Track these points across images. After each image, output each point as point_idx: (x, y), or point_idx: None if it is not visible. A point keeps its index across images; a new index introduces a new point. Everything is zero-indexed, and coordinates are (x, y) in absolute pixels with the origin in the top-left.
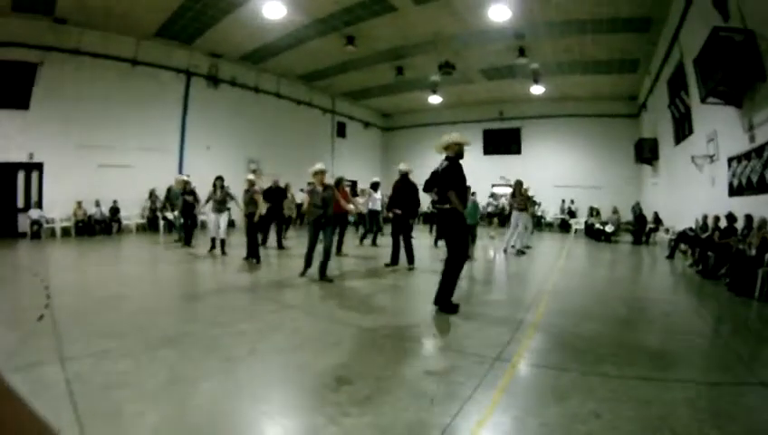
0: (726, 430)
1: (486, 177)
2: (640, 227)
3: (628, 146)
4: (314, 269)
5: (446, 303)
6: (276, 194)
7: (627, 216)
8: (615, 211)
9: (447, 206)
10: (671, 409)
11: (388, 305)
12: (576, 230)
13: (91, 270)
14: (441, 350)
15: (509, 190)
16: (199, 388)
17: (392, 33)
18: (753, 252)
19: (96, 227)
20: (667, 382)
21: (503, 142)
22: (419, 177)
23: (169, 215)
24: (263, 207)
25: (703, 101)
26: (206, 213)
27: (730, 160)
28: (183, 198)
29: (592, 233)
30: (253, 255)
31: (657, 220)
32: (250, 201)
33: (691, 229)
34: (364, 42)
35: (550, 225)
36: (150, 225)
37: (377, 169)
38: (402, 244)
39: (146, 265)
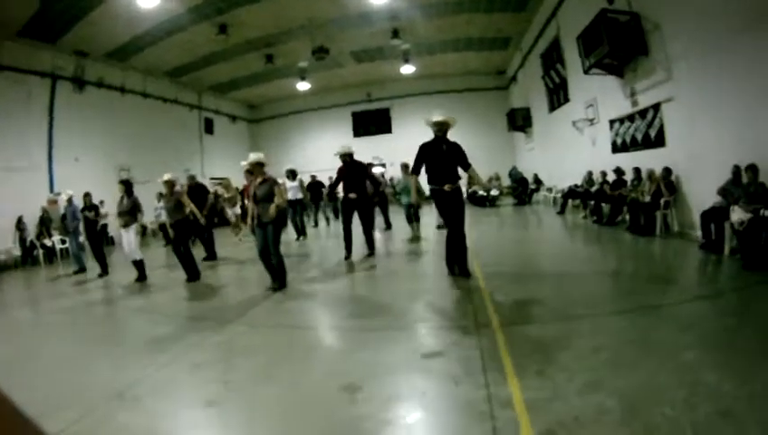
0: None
1: (359, 158)
2: (523, 189)
3: (498, 116)
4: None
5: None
6: (198, 193)
7: (505, 181)
8: (497, 177)
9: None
10: (647, 331)
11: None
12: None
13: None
14: (426, 331)
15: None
16: None
17: (265, 20)
18: (648, 199)
19: None
20: (634, 312)
21: (373, 123)
22: (285, 164)
23: (48, 242)
24: (191, 208)
25: (586, 72)
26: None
27: (612, 122)
28: (84, 215)
29: (476, 200)
30: (194, 276)
31: (538, 181)
32: (175, 207)
33: (576, 186)
34: (236, 30)
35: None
36: (25, 258)
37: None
38: (350, 230)
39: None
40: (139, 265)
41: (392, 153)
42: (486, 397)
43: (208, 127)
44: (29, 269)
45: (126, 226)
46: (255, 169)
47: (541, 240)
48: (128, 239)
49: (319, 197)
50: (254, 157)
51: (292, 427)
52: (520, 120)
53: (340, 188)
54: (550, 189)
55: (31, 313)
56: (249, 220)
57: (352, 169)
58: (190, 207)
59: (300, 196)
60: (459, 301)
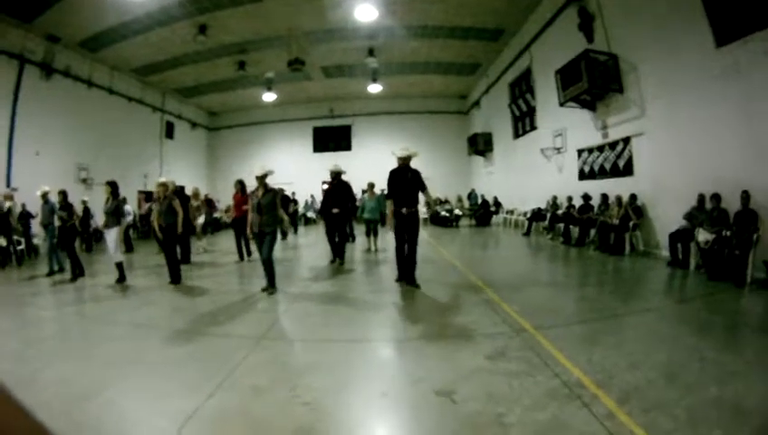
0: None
1: (317, 174)
2: (485, 211)
3: (456, 140)
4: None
5: (413, 278)
6: (180, 199)
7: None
8: (460, 199)
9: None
10: (653, 326)
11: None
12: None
13: None
14: (476, 338)
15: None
16: None
17: (246, 25)
18: (616, 222)
19: None
20: (633, 314)
21: (333, 139)
22: (238, 174)
23: (2, 241)
24: (180, 215)
25: (562, 104)
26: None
27: (580, 151)
28: (58, 215)
29: (438, 220)
30: (177, 279)
31: (497, 204)
32: (168, 210)
33: (540, 209)
34: (215, 32)
35: None
36: None
37: (202, 172)
38: (334, 239)
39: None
40: (119, 266)
41: (350, 171)
42: (562, 383)
43: (169, 131)
44: None
45: (108, 227)
46: (261, 180)
47: (520, 258)
48: (109, 240)
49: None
50: (264, 169)
51: (424, 429)
52: (481, 145)
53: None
54: (510, 212)
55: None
56: (249, 228)
57: (339, 188)
58: (180, 212)
59: None
60: (486, 311)
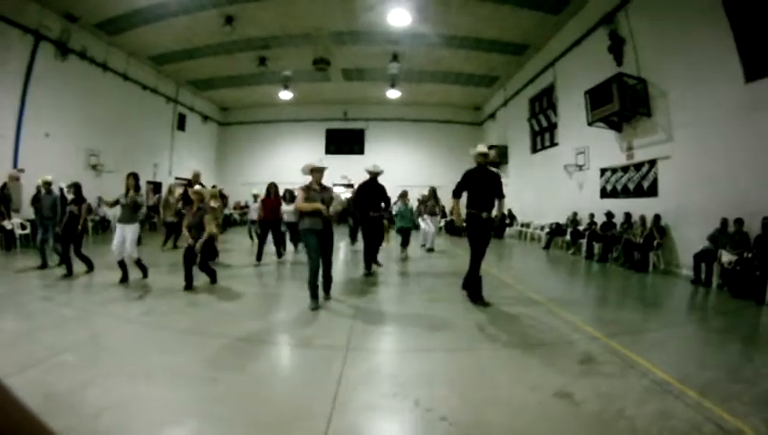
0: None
1: (330, 175)
2: (501, 223)
3: (469, 151)
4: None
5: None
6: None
7: None
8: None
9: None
10: (703, 332)
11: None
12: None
13: None
14: (561, 346)
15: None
16: None
17: (273, 20)
18: (641, 240)
19: None
20: (681, 324)
21: (346, 142)
22: (250, 176)
23: (8, 224)
24: (207, 233)
25: (590, 124)
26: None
27: (603, 170)
28: (69, 209)
29: (454, 230)
30: (191, 286)
31: (512, 216)
32: (199, 224)
33: (558, 224)
34: (242, 24)
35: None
36: None
37: (211, 167)
38: (373, 245)
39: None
40: (139, 263)
41: (362, 175)
42: (652, 381)
43: (181, 123)
44: None
45: (127, 221)
46: (318, 175)
47: (554, 272)
48: (126, 236)
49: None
50: (322, 162)
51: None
52: (497, 157)
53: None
54: (526, 225)
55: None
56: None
57: (377, 189)
58: (208, 229)
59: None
60: (555, 321)
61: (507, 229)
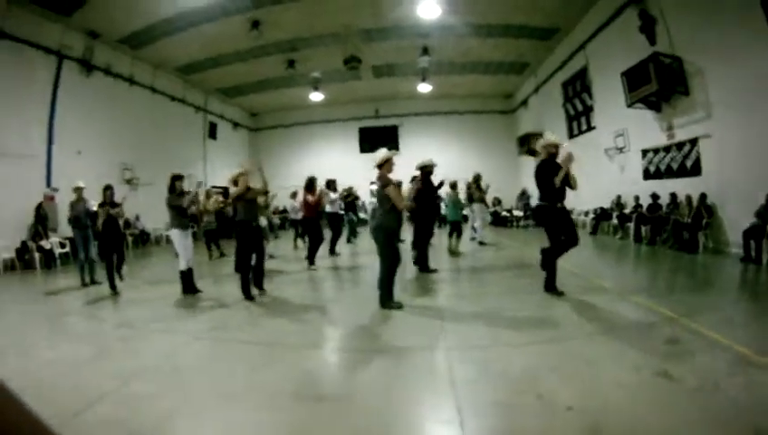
0: None
1: (365, 175)
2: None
3: (502, 139)
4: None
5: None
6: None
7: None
8: (524, 196)
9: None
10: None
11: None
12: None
13: None
14: (642, 327)
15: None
16: None
17: (300, 21)
18: (689, 220)
19: None
20: (745, 301)
21: (380, 140)
22: (284, 180)
23: (46, 244)
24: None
25: (630, 105)
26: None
27: (645, 152)
28: (105, 210)
29: (499, 220)
30: (250, 295)
31: None
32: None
33: (602, 209)
34: (268, 28)
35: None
36: (20, 258)
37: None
38: (426, 246)
39: None
40: (190, 274)
41: (399, 171)
42: (736, 355)
43: (212, 131)
44: (24, 275)
45: (185, 227)
46: (390, 166)
47: (612, 258)
48: (183, 245)
49: (353, 210)
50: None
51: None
52: (534, 145)
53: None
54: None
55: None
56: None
57: (431, 185)
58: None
59: (337, 209)
60: (629, 305)
61: None
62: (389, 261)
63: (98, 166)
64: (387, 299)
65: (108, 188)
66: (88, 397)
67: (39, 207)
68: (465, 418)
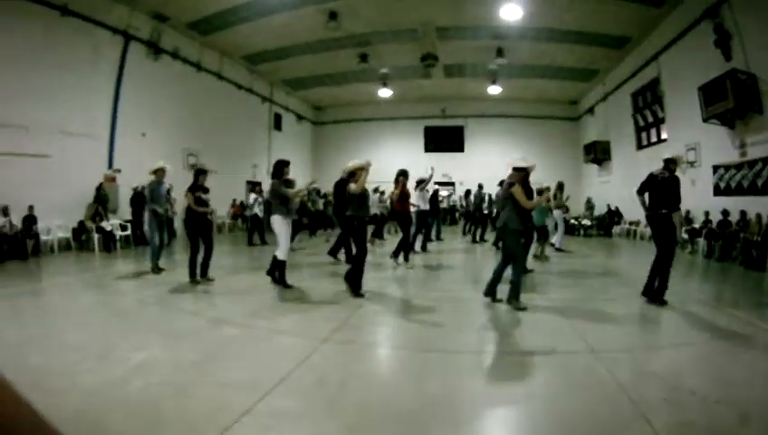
0: None
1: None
2: (611, 221)
3: (566, 146)
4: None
5: (660, 295)
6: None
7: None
8: (590, 204)
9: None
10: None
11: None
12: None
13: None
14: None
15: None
16: None
17: (378, 15)
18: (758, 238)
19: (3, 246)
20: None
21: (445, 140)
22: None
23: (107, 225)
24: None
25: (705, 120)
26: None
27: (716, 168)
28: (197, 196)
29: (567, 228)
30: (359, 292)
31: (619, 214)
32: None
33: None
34: (344, 20)
35: None
36: (76, 239)
37: (308, 167)
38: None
39: None
40: (282, 267)
41: (463, 172)
42: None
43: (277, 123)
44: (80, 254)
45: (286, 214)
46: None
47: (691, 273)
48: (286, 235)
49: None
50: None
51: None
52: (600, 153)
53: None
54: (635, 223)
55: None
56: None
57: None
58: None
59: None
60: (732, 319)
61: (615, 227)
62: (520, 262)
63: (162, 150)
64: (516, 300)
65: (202, 172)
66: (218, 419)
67: (99, 188)
68: (652, 417)
